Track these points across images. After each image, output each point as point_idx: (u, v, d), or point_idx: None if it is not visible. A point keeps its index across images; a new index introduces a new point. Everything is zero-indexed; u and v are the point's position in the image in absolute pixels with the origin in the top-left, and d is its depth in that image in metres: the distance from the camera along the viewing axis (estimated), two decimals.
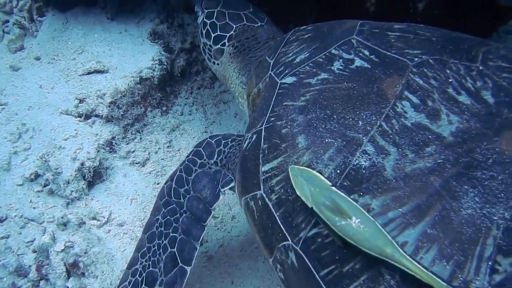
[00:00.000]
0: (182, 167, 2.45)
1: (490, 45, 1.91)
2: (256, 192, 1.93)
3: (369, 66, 1.88)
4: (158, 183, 3.18)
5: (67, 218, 2.82)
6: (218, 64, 2.89)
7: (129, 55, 3.43)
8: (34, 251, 2.75)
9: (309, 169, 1.70)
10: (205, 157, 2.49)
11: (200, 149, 2.51)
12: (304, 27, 2.50)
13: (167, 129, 3.41)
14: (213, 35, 2.80)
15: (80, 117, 3.19)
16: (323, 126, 1.79)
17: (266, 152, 1.92)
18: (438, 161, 1.56)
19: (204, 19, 2.84)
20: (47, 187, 2.92)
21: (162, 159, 3.28)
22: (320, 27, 2.37)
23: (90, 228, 2.91)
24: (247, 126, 2.20)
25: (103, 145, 3.14)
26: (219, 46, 2.81)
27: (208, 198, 2.38)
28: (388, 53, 1.89)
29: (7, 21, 3.76)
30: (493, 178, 1.48)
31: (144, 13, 3.65)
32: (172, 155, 3.32)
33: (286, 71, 2.14)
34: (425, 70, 1.78)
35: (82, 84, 3.29)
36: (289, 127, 1.88)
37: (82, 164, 2.99)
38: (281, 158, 1.85)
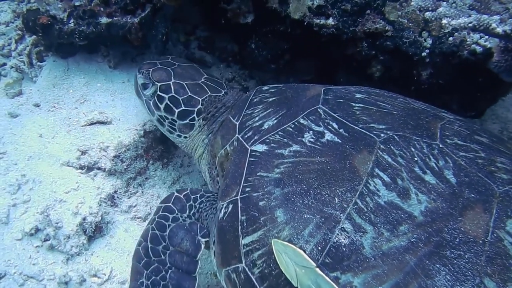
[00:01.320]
0: (153, 225, 2.47)
1: (443, 118, 2.14)
2: (237, 265, 2.01)
3: (340, 141, 2.03)
4: None
5: (68, 276, 2.82)
6: (185, 137, 2.89)
7: (132, 106, 3.46)
8: None
9: (292, 245, 1.80)
10: (177, 212, 2.53)
11: (170, 204, 2.56)
12: (267, 87, 2.70)
13: (168, 182, 3.44)
14: (176, 111, 2.77)
15: (82, 169, 3.20)
16: (301, 201, 1.90)
17: (245, 224, 2.00)
18: (412, 240, 1.71)
19: (159, 93, 2.79)
20: (47, 242, 2.92)
21: None
22: (283, 90, 2.54)
23: (91, 286, 2.90)
24: (220, 193, 2.28)
25: (104, 199, 3.14)
26: (187, 121, 2.80)
27: (189, 250, 2.41)
28: (356, 128, 2.07)
29: (5, 64, 3.73)
30: (460, 257, 1.65)
31: (145, 58, 3.70)
32: None
33: (255, 138, 2.27)
34: (392, 147, 1.95)
35: (84, 135, 3.30)
36: (266, 200, 1.98)
37: (84, 219, 3.00)
38: (261, 231, 1.94)
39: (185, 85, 2.76)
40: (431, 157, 1.90)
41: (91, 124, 3.37)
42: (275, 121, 2.28)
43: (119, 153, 3.20)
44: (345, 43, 3.20)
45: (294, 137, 2.12)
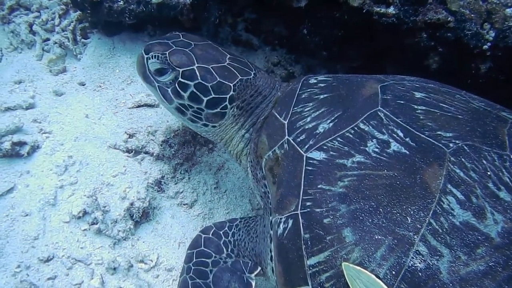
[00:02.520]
0: (190, 274, 2.36)
1: (506, 120, 2.04)
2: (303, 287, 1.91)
3: (407, 152, 1.90)
4: None
5: (117, 262, 2.80)
6: (214, 126, 2.59)
7: None
8: None
9: (366, 271, 1.71)
10: (214, 254, 2.45)
11: (203, 248, 2.48)
12: (314, 80, 2.49)
13: (213, 168, 3.41)
14: (205, 99, 2.43)
15: (129, 152, 3.18)
16: (370, 220, 1.79)
17: (310, 243, 1.89)
18: (490, 264, 1.63)
19: (181, 80, 2.41)
20: (94, 225, 2.91)
21: (210, 201, 3.28)
22: (335, 86, 2.35)
23: (138, 272, 2.90)
24: (275, 204, 2.13)
25: (152, 184, 3.12)
26: (218, 110, 2.48)
27: None
28: (423, 136, 1.93)
29: (48, 39, 3.69)
30: None
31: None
32: (219, 197, 3.33)
33: (310, 142, 2.11)
34: (463, 160, 1.84)
35: (131, 117, 3.27)
36: (331, 217, 1.86)
37: (132, 204, 2.98)
38: (327, 252, 1.83)
39: (211, 69, 2.42)
40: (504, 171, 1.80)
41: (138, 106, 3.34)
42: (331, 124, 2.11)
43: (168, 138, 3.17)
44: (403, 33, 3.11)
45: (356, 145, 1.98)
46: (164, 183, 3.22)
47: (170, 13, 3.15)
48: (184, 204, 3.24)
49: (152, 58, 2.45)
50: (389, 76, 2.44)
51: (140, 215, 3.04)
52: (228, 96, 2.45)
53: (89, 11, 3.26)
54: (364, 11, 2.99)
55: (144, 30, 3.59)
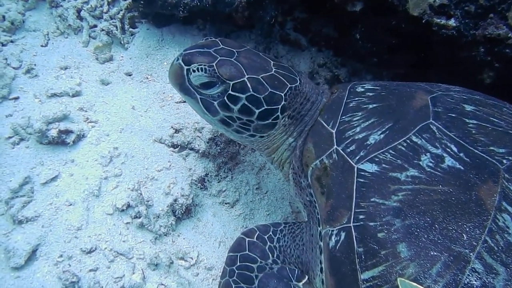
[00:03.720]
0: (234, 278, 2.31)
1: None
2: None
3: (462, 168, 1.88)
4: (246, 227, 3.16)
5: (160, 258, 2.78)
6: (262, 136, 2.49)
7: None
8: None
9: (421, 287, 1.68)
10: (259, 260, 2.40)
11: (247, 252, 2.42)
12: (361, 88, 2.44)
13: (256, 168, 3.39)
14: (257, 111, 2.32)
15: (174, 147, 3.16)
16: (426, 235, 1.77)
17: (363, 257, 1.87)
18: None
19: (232, 93, 2.28)
20: (137, 219, 2.90)
21: (251, 201, 3.27)
22: (384, 96, 2.31)
23: (178, 269, 2.89)
24: (325, 215, 2.10)
25: (195, 181, 3.12)
26: (269, 121, 2.38)
27: None
28: (476, 151, 1.92)
29: (95, 26, 3.66)
30: None
31: (241, 41, 3.58)
32: (260, 198, 3.31)
33: (361, 154, 2.07)
34: None
35: (178, 112, 3.25)
36: (385, 231, 1.84)
37: (175, 200, 2.98)
38: (382, 267, 1.81)
39: (261, 79, 2.30)
40: None
41: (185, 101, 3.28)
42: (382, 135, 2.08)
43: (215, 136, 3.15)
44: (460, 46, 3.05)
45: (409, 158, 1.95)
46: (208, 180, 3.21)
47: (225, 9, 3.12)
48: (226, 203, 3.22)
49: (198, 71, 2.27)
50: (434, 86, 2.41)
51: (182, 212, 3.04)
52: (280, 106, 2.36)
53: (142, 2, 3.21)
54: (423, 21, 2.92)
55: (194, 24, 3.54)
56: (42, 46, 3.63)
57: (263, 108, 2.32)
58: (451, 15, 2.88)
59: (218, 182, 3.24)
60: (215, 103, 2.34)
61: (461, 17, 2.86)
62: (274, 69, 2.37)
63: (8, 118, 3.18)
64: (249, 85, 2.27)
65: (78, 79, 3.39)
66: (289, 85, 2.36)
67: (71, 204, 2.91)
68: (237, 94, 2.28)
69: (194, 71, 2.28)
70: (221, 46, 2.38)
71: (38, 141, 3.07)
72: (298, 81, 2.42)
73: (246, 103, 2.30)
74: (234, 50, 2.36)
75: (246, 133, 2.45)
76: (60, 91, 3.29)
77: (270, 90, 2.30)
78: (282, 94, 2.34)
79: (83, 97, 3.33)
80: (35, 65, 3.48)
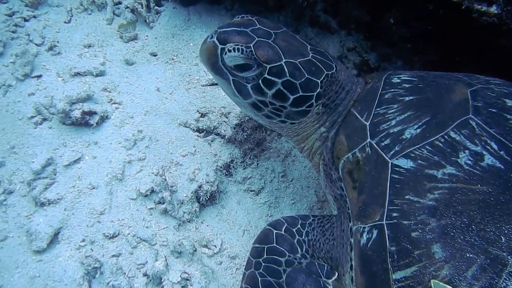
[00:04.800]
0: (260, 270, 2.24)
1: None
2: None
3: (502, 167, 1.79)
4: (271, 216, 3.09)
5: (183, 246, 2.71)
6: (293, 123, 2.39)
7: None
8: (145, 275, 2.69)
9: None
10: (288, 253, 2.31)
11: (275, 245, 2.33)
12: (397, 79, 2.33)
13: (281, 155, 3.30)
14: (292, 97, 2.22)
15: (200, 132, 3.08)
16: (462, 237, 1.71)
17: (396, 257, 1.81)
18: None
19: (267, 76, 2.17)
20: (160, 205, 2.84)
21: (276, 189, 3.19)
22: (421, 88, 2.21)
23: (201, 257, 2.83)
24: (357, 211, 2.03)
25: (221, 167, 3.05)
26: (303, 108, 2.28)
27: None
28: None
29: (119, 3, 3.55)
30: None
31: (272, 17, 3.45)
32: (285, 186, 3.23)
33: (396, 148, 1.99)
34: None
35: (204, 96, 3.15)
36: (420, 231, 1.78)
37: (200, 186, 2.92)
38: (415, 267, 1.75)
39: (299, 64, 2.18)
40: None
41: (212, 84, 3.21)
42: (419, 130, 2.00)
43: (242, 122, 3.07)
44: (500, 33, 2.91)
45: (446, 155, 1.87)
46: (233, 167, 3.13)
47: None
48: (251, 191, 3.15)
49: (234, 52, 2.14)
50: (473, 78, 2.29)
51: (207, 199, 2.99)
52: (315, 93, 2.25)
53: None
54: (463, 7, 2.78)
55: (221, 3, 3.41)
56: (65, 22, 3.53)
57: (298, 95, 2.22)
58: (493, 1, 2.74)
59: (244, 169, 3.16)
60: (248, 86, 2.23)
61: (504, 4, 2.72)
62: (311, 54, 2.25)
63: (31, 96, 3.11)
64: (286, 69, 2.16)
65: (102, 58, 3.30)
66: (326, 72, 2.25)
67: (94, 188, 2.86)
68: (273, 78, 2.17)
69: (229, 51, 2.15)
70: (258, 26, 2.23)
71: (61, 122, 3.00)
72: (334, 68, 2.30)
73: (281, 88, 2.19)
74: (272, 32, 2.23)
75: (277, 119, 2.35)
76: (83, 70, 3.20)
77: (307, 76, 2.19)
78: (318, 81, 2.23)
79: (107, 77, 3.25)
80: (58, 42, 3.40)
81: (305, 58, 2.21)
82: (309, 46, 2.29)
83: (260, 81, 2.19)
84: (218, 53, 2.19)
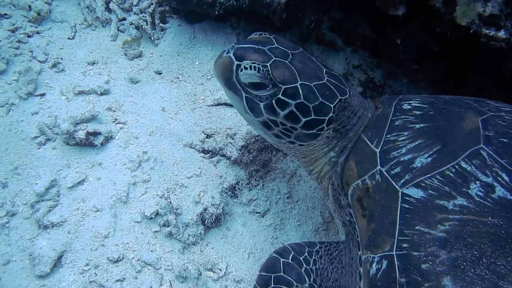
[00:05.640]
0: None
1: None
2: None
3: None
4: (276, 238, 3.06)
5: (188, 271, 2.69)
6: (301, 145, 2.36)
7: None
8: None
9: None
10: (295, 284, 2.28)
11: (282, 274, 2.29)
12: (408, 105, 2.31)
13: (287, 175, 3.27)
14: (304, 120, 2.19)
15: (205, 153, 3.06)
16: (472, 270, 1.68)
17: None
18: None
19: (281, 97, 2.15)
20: (165, 228, 2.82)
21: (282, 211, 3.16)
22: (432, 116, 2.19)
23: (206, 281, 2.80)
24: (366, 241, 2.01)
25: (226, 189, 3.03)
26: (314, 131, 2.25)
27: None
28: None
29: (124, 19, 3.53)
30: None
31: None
32: (291, 207, 3.20)
33: (406, 177, 1.97)
34: None
35: (210, 116, 3.12)
36: (430, 263, 1.75)
37: (205, 209, 2.90)
38: None
39: (313, 87, 2.17)
40: None
41: (218, 104, 3.19)
42: (429, 158, 1.97)
43: (248, 144, 3.04)
44: (508, 58, 2.88)
45: (457, 186, 1.85)
46: (238, 189, 3.10)
47: (262, 11, 2.97)
48: (257, 213, 3.12)
49: (250, 69, 2.12)
50: (483, 105, 2.27)
51: (212, 221, 2.95)
52: (327, 118, 2.22)
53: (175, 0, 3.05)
54: (471, 31, 2.75)
55: (227, 21, 3.38)
56: (69, 38, 3.49)
57: (310, 118, 2.20)
58: (501, 26, 2.71)
59: (249, 190, 3.13)
60: (261, 104, 2.20)
61: None
62: (326, 78, 2.24)
63: (34, 116, 3.07)
64: (301, 91, 2.14)
65: (106, 76, 3.26)
66: (340, 97, 2.23)
67: (98, 210, 2.83)
68: (287, 100, 2.15)
69: (245, 68, 2.13)
70: (276, 45, 2.23)
71: (65, 142, 2.97)
72: (348, 93, 2.28)
73: (294, 110, 2.17)
74: (289, 52, 2.22)
75: (286, 139, 2.32)
76: (87, 89, 3.17)
77: (320, 99, 2.17)
78: (332, 106, 2.21)
79: (111, 96, 3.21)
80: (61, 59, 3.36)
81: (320, 82, 2.19)
82: (324, 69, 2.27)
83: (273, 101, 2.17)
84: (233, 69, 2.18)
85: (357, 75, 3.76)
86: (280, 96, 2.15)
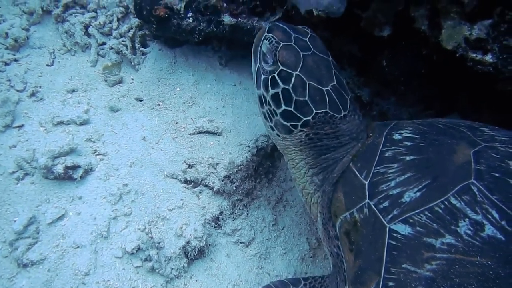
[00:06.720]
0: None
1: None
2: None
3: (503, 238, 1.72)
4: (261, 268, 3.02)
5: None
6: (278, 136, 2.43)
7: (243, 115, 3.20)
8: None
9: None
10: None
11: None
12: (398, 135, 2.27)
13: (272, 202, 3.24)
14: (283, 107, 2.29)
15: (187, 184, 3.02)
16: None
17: None
18: None
19: (276, 76, 2.27)
20: (147, 263, 2.78)
21: (267, 239, 3.12)
22: (424, 148, 2.14)
23: None
24: (352, 277, 2.00)
25: (209, 220, 2.99)
26: (287, 124, 2.31)
27: None
28: None
29: (104, 44, 3.45)
30: None
31: None
32: (276, 235, 3.17)
33: (395, 212, 1.93)
34: None
35: (192, 145, 3.08)
36: None
37: (188, 242, 2.87)
38: None
39: (307, 85, 2.23)
40: None
41: (200, 133, 3.12)
42: (419, 193, 1.93)
43: (230, 174, 2.99)
44: (496, 80, 2.82)
45: (446, 223, 1.80)
46: (222, 219, 3.07)
47: (243, 38, 2.90)
48: (241, 243, 3.09)
49: (268, 41, 2.32)
50: (477, 134, 2.21)
51: (195, 254, 2.90)
52: (304, 119, 2.27)
53: (154, 26, 2.98)
54: (457, 55, 2.69)
55: (209, 44, 3.31)
56: (47, 65, 3.43)
57: (288, 108, 2.28)
58: (488, 50, 2.65)
59: (233, 220, 3.09)
60: (263, 77, 2.36)
61: (499, 52, 2.62)
62: (328, 88, 2.28)
63: (12, 149, 3.02)
64: (292, 80, 2.24)
65: (86, 105, 3.20)
66: (327, 110, 2.27)
67: (78, 247, 2.79)
68: (278, 80, 2.27)
69: (266, 38, 2.33)
70: (306, 39, 2.36)
71: (43, 176, 2.92)
72: (341, 115, 2.31)
73: (279, 93, 2.28)
74: (312, 50, 2.34)
75: (268, 123, 2.44)
76: (66, 119, 3.11)
77: (306, 98, 2.24)
78: (314, 111, 2.25)
79: (91, 126, 3.15)
80: (40, 87, 3.30)
81: (318, 86, 2.25)
82: (334, 83, 2.32)
83: (270, 77, 2.30)
84: (262, 38, 2.38)
85: None
86: (275, 74, 2.27)
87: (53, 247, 2.78)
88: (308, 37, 2.39)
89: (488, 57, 2.62)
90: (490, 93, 3.08)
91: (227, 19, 2.94)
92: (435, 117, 3.75)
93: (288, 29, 2.34)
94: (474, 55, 2.65)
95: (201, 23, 2.95)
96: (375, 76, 3.42)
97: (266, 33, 2.35)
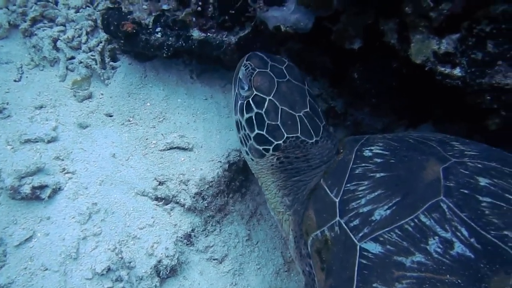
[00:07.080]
0: None
1: None
2: None
3: (472, 256, 1.72)
4: (235, 284, 3.00)
5: None
6: (252, 160, 2.49)
7: (214, 130, 3.17)
8: None
9: None
10: None
11: None
12: (370, 153, 2.28)
13: (246, 216, 3.22)
14: (256, 131, 2.36)
15: (158, 201, 2.99)
16: None
17: None
18: None
19: (251, 100, 2.36)
20: (118, 283, 2.77)
21: (241, 255, 3.10)
22: (393, 164, 2.15)
23: None
24: None
25: (181, 238, 2.96)
26: (260, 148, 2.38)
27: None
28: (488, 237, 1.75)
29: (73, 58, 3.40)
30: None
31: (230, 74, 3.32)
32: (250, 250, 3.14)
33: (365, 231, 1.93)
34: None
35: (162, 161, 3.04)
36: None
37: (159, 261, 2.84)
38: None
39: (280, 110, 2.30)
40: None
41: (170, 148, 3.08)
42: (388, 211, 1.93)
43: (201, 190, 2.96)
44: (465, 94, 2.82)
45: (416, 241, 1.80)
46: (194, 236, 3.04)
47: (212, 52, 2.88)
48: (214, 259, 3.06)
49: (245, 67, 2.42)
50: (447, 148, 2.21)
51: (167, 272, 2.85)
52: (275, 143, 2.33)
53: (122, 41, 2.93)
54: (426, 69, 2.68)
55: (180, 58, 3.27)
56: (15, 80, 3.37)
57: (261, 132, 2.35)
58: (457, 63, 2.65)
59: (206, 237, 3.06)
60: (239, 102, 2.45)
61: (467, 66, 2.63)
62: (300, 113, 2.35)
63: None
64: (265, 105, 2.32)
65: (54, 122, 3.15)
66: (298, 135, 2.33)
67: (47, 269, 2.75)
68: (252, 105, 2.35)
69: (244, 65, 2.42)
70: (281, 67, 2.43)
71: (10, 197, 2.85)
72: (313, 140, 2.36)
73: (253, 117, 2.35)
74: (287, 78, 2.41)
75: (244, 148, 2.51)
76: (34, 137, 3.06)
77: (278, 123, 2.31)
78: (285, 135, 2.32)
79: (59, 143, 3.10)
80: (7, 103, 3.24)
81: (290, 111, 2.32)
82: (307, 109, 2.38)
83: (245, 102, 2.38)
84: (241, 66, 2.47)
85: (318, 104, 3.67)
86: (250, 99, 2.35)
87: (21, 270, 2.73)
88: (285, 65, 2.45)
89: (457, 71, 2.62)
90: (462, 105, 3.09)
91: (196, 34, 2.90)
92: (408, 127, 3.76)
93: (265, 57, 2.42)
94: (443, 69, 2.65)
95: (170, 38, 2.91)
96: (347, 88, 3.40)
97: (245, 61, 2.43)
